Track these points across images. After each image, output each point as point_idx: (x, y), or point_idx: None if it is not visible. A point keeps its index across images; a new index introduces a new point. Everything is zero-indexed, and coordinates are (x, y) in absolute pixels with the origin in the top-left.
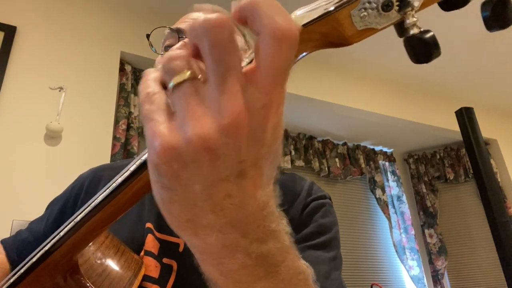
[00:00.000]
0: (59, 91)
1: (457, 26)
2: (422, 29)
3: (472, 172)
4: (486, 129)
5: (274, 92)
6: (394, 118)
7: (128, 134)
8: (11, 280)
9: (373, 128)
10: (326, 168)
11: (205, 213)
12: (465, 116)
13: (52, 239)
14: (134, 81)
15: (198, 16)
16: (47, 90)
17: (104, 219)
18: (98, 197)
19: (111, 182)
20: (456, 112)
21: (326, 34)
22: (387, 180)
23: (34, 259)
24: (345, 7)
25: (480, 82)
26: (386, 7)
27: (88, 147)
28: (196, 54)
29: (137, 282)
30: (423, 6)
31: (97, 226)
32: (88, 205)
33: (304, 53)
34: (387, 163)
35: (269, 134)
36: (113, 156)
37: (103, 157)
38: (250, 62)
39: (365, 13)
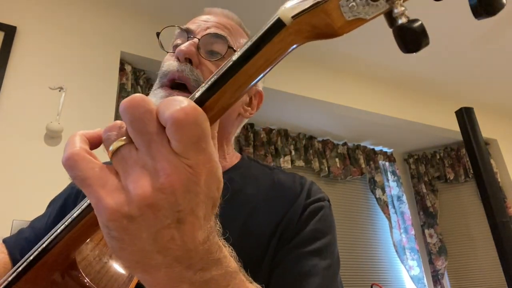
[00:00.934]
0: (59, 91)
1: (458, 26)
2: (410, 18)
3: (472, 172)
4: (486, 129)
5: (196, 156)
6: (394, 118)
7: None
8: (10, 279)
9: (373, 128)
10: (326, 168)
11: (152, 254)
12: (465, 116)
13: (51, 236)
14: (134, 81)
15: (208, 18)
16: (47, 90)
17: None
18: None
19: None
20: (456, 112)
21: (316, 25)
22: (387, 180)
23: (31, 257)
24: None
25: (480, 82)
26: None
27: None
28: None
29: (135, 280)
30: None
31: (94, 222)
32: (86, 201)
33: (294, 45)
34: (387, 163)
35: (203, 185)
36: None
37: (103, 157)
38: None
39: (354, 3)
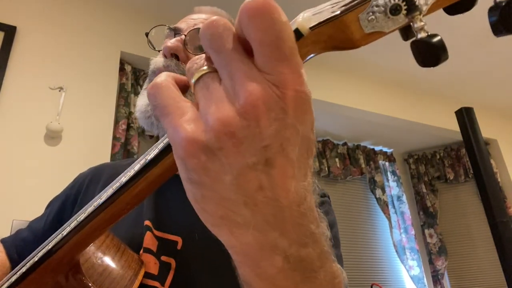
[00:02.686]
0: (59, 91)
1: (458, 26)
2: (429, 33)
3: (472, 172)
4: (486, 129)
5: (280, 69)
6: (394, 118)
7: (128, 134)
8: (13, 279)
9: (373, 128)
10: (326, 168)
11: (238, 207)
12: (465, 116)
13: (55, 238)
14: (134, 81)
15: (197, 16)
16: (47, 90)
17: (107, 219)
18: (102, 196)
19: (115, 182)
20: (456, 112)
21: (334, 36)
22: (387, 180)
23: (36, 258)
24: (353, 10)
25: (480, 82)
26: (394, 11)
27: (88, 147)
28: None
29: (137, 282)
30: (430, 10)
31: (100, 225)
32: (92, 205)
33: (311, 55)
34: (387, 163)
35: (291, 114)
36: (113, 156)
37: (103, 157)
38: None
39: (373, 17)
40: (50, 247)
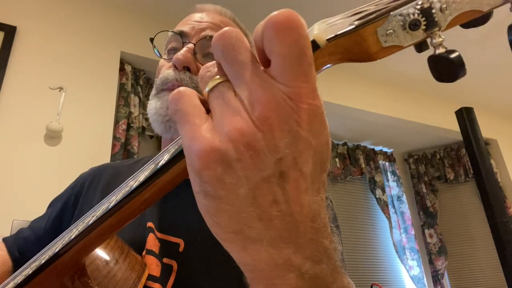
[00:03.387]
0: (59, 91)
1: (458, 26)
2: (448, 49)
3: (472, 172)
4: (486, 129)
5: (297, 83)
6: (394, 118)
7: (128, 134)
8: (19, 281)
9: (373, 128)
10: None
11: (253, 220)
12: (465, 116)
13: (62, 241)
14: (134, 81)
15: (201, 18)
16: (47, 90)
17: (115, 223)
18: (111, 200)
19: (124, 186)
20: (456, 112)
21: (350, 49)
22: (387, 180)
23: (43, 261)
24: (371, 23)
25: (480, 82)
26: (414, 26)
27: (88, 147)
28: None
29: (141, 285)
30: (449, 26)
31: (108, 229)
32: (100, 208)
33: (327, 65)
34: (387, 163)
35: (305, 127)
36: (113, 156)
37: (103, 157)
38: None
39: (392, 31)
40: (57, 250)
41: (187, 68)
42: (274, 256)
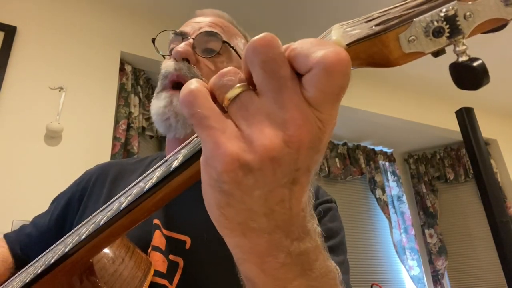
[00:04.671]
0: (59, 91)
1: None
2: (471, 56)
3: (472, 172)
4: (486, 129)
5: (331, 111)
6: (394, 118)
7: (128, 134)
8: (27, 280)
9: (373, 128)
10: (326, 168)
11: (258, 217)
12: (465, 116)
13: (72, 240)
14: (134, 81)
15: (200, 20)
16: (47, 90)
17: (126, 224)
18: (122, 201)
19: (135, 187)
20: (456, 112)
21: (371, 54)
22: (387, 180)
23: (52, 260)
24: (394, 29)
25: None
26: (437, 33)
27: (88, 147)
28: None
29: (147, 283)
30: (472, 34)
31: (119, 230)
32: (111, 209)
33: None
34: (387, 163)
35: (324, 143)
36: (113, 156)
37: (103, 157)
38: None
39: (414, 37)
40: (67, 250)
41: (186, 60)
42: (269, 240)
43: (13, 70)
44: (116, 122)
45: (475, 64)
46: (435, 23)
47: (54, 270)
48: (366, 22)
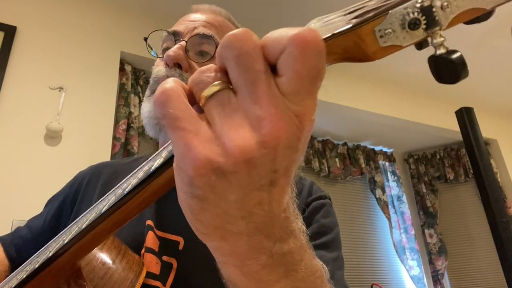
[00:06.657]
0: (59, 91)
1: (457, 26)
2: (449, 49)
3: (472, 172)
4: (486, 129)
5: (306, 102)
6: (394, 118)
7: (128, 134)
8: (13, 285)
9: (373, 128)
10: (326, 168)
11: (235, 220)
12: (465, 116)
13: (56, 244)
14: (134, 81)
15: (195, 18)
16: (47, 90)
17: (110, 226)
18: (104, 203)
19: (117, 188)
20: (456, 112)
21: (347, 48)
22: (387, 180)
23: (36, 265)
24: (369, 23)
25: (480, 82)
26: (413, 25)
27: (88, 147)
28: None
29: (138, 285)
30: (450, 25)
31: (103, 233)
32: (94, 212)
33: None
34: (387, 163)
35: (302, 142)
36: (113, 156)
37: (103, 157)
38: None
39: (390, 30)
40: (51, 254)
41: (178, 65)
42: (249, 242)
43: (13, 70)
44: (116, 122)
45: (453, 56)
46: (411, 15)
47: (40, 274)
48: (345, 15)
